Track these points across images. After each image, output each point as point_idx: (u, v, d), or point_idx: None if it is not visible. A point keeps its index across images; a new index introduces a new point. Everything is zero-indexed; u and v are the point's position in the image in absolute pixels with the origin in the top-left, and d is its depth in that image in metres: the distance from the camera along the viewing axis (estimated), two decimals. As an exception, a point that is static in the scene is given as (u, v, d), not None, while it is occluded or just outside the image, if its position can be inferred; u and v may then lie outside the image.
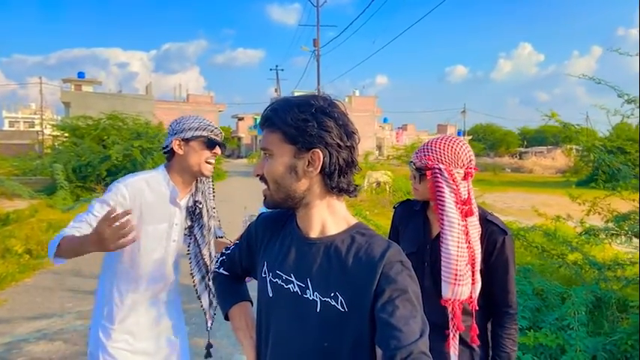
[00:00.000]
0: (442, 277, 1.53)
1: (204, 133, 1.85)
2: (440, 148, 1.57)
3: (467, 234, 1.53)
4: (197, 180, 1.96)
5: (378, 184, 16.05)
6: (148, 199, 1.83)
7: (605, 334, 3.24)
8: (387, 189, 15.76)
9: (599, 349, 2.99)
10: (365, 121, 46.97)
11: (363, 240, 1.05)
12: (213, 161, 1.90)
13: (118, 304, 1.89)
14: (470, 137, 59.37)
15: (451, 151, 1.56)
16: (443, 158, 1.55)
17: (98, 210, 1.75)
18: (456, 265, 1.51)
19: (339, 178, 1.04)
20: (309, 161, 1.02)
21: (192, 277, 2.03)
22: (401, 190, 14.84)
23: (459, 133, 59.80)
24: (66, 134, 17.07)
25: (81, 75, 42.52)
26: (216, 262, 1.37)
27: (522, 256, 5.78)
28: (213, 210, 2.07)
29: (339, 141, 1.01)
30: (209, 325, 2.09)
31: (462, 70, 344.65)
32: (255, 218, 1.96)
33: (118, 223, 1.56)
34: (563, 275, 4.81)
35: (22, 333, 4.16)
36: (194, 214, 1.97)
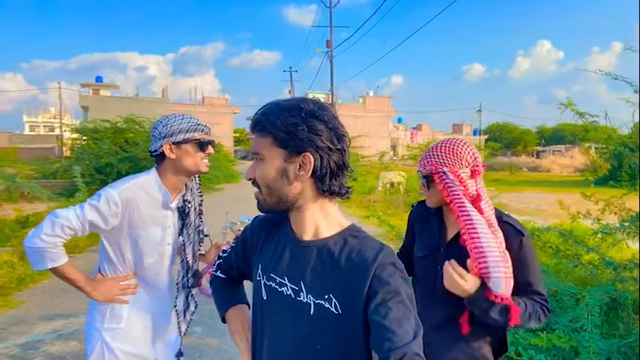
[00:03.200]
0: (491, 274, 1.43)
1: (196, 135, 1.82)
2: (441, 152, 1.57)
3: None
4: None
5: (392, 184, 15.97)
6: (140, 206, 1.80)
7: (620, 337, 3.18)
8: (401, 189, 15.69)
9: (614, 351, 2.94)
10: (379, 121, 46.90)
11: (355, 242, 1.05)
12: (207, 160, 1.89)
13: (120, 305, 1.89)
14: (486, 136, 58.77)
15: (452, 152, 1.56)
16: (445, 161, 1.55)
17: (88, 215, 1.73)
18: (499, 256, 1.44)
19: (330, 181, 1.04)
20: (300, 165, 1.02)
21: (178, 274, 2.03)
22: (415, 191, 14.76)
23: (474, 133, 59.32)
24: (85, 137, 17.39)
25: (99, 79, 43.29)
26: (214, 265, 1.38)
27: (537, 256, 5.70)
28: (200, 207, 2.05)
29: (329, 144, 1.01)
30: (183, 329, 2.02)
31: (479, 69, 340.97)
32: (234, 225, 1.97)
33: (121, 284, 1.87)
34: (579, 276, 4.73)
35: (38, 333, 4.24)
36: (184, 213, 1.96)
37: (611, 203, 4.54)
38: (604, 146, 4.86)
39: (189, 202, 1.96)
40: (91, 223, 1.74)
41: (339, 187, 1.06)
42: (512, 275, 1.46)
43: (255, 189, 1.09)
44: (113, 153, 15.13)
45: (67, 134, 29.26)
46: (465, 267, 1.54)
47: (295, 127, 1.00)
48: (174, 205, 1.92)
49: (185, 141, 1.80)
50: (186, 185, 1.96)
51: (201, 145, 1.83)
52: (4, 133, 46.11)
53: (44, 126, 68.05)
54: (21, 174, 12.01)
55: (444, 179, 1.53)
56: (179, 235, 1.98)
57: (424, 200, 1.82)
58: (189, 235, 1.99)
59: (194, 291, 2.06)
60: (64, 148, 27.87)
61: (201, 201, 2.05)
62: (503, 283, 1.44)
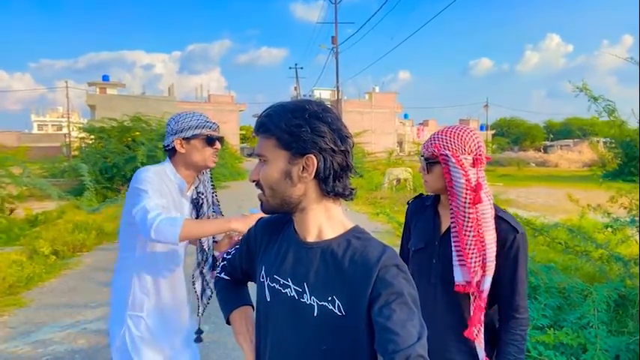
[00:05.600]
0: (453, 262, 1.54)
1: (204, 132, 1.94)
2: (446, 136, 1.57)
3: (477, 221, 1.50)
4: (199, 172, 2.06)
5: (398, 181, 15.94)
6: (164, 189, 1.92)
7: (628, 333, 3.15)
8: (408, 186, 15.64)
9: (623, 348, 2.91)
10: (385, 117, 46.78)
11: (359, 244, 1.05)
12: (215, 156, 2.00)
13: (141, 291, 1.97)
14: (493, 131, 58.46)
15: (457, 137, 1.56)
16: (449, 145, 1.55)
17: (149, 192, 1.80)
18: (467, 249, 1.51)
19: (334, 183, 1.04)
20: (303, 167, 1.02)
21: (195, 262, 2.11)
22: (422, 187, 14.67)
23: (481, 128, 59.02)
24: (92, 136, 17.46)
25: (105, 78, 43.46)
26: (218, 266, 1.38)
27: (545, 252, 5.67)
28: (215, 197, 2.15)
29: (332, 146, 1.01)
30: (200, 310, 2.16)
31: (487, 63, 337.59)
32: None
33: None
34: (587, 272, 4.69)
35: (46, 332, 4.28)
36: (197, 204, 2.06)
37: (621, 195, 4.49)
38: (612, 140, 4.81)
39: (203, 194, 2.07)
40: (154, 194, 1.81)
41: (342, 189, 1.06)
42: (477, 270, 1.51)
43: (259, 190, 1.09)
44: (120, 152, 15.18)
45: (75, 133, 29.45)
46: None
47: (298, 129, 1.00)
48: (189, 194, 2.05)
49: (194, 137, 1.93)
50: (198, 178, 2.07)
51: (209, 141, 1.96)
52: (13, 132, 46.52)
53: (52, 125, 68.51)
54: (30, 172, 12.08)
55: (447, 162, 1.53)
56: None
57: (420, 195, 1.83)
58: None
59: (208, 277, 2.14)
60: (72, 147, 28.03)
61: (214, 193, 2.16)
62: (460, 271, 1.54)
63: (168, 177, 1.96)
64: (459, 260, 1.53)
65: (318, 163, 1.01)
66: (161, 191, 1.86)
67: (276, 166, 1.04)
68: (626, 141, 4.27)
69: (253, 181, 1.10)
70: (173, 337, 2.06)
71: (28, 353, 3.83)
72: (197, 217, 2.07)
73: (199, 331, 2.14)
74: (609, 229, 4.47)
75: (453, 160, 1.53)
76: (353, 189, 1.09)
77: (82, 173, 13.13)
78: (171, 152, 1.98)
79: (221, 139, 2.01)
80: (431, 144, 1.59)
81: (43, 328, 4.36)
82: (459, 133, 1.56)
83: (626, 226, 4.39)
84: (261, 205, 1.10)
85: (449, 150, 1.54)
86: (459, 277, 1.53)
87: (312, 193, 1.05)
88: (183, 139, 1.93)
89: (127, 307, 1.95)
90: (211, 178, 2.17)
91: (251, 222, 1.76)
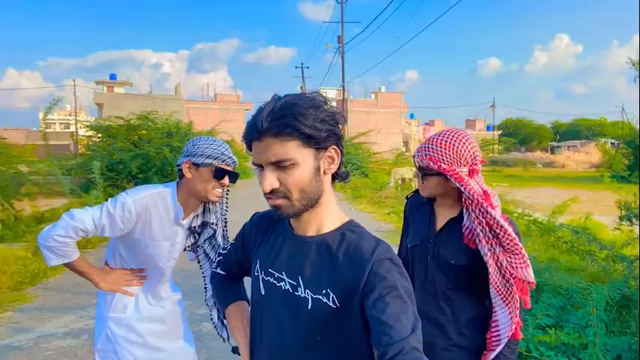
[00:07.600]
0: (521, 263, 1.50)
1: (215, 163, 1.82)
2: (440, 147, 1.52)
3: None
4: (206, 202, 1.94)
5: (403, 180, 15.90)
6: (153, 217, 1.84)
7: (631, 334, 3.13)
8: (413, 185, 15.60)
9: (625, 348, 2.89)
10: (391, 117, 46.66)
11: (353, 237, 1.06)
12: (220, 190, 1.88)
13: (123, 298, 1.97)
14: (500, 132, 58.18)
15: (453, 149, 1.51)
16: (444, 158, 1.51)
17: (103, 220, 1.78)
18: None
19: (343, 167, 1.07)
20: (327, 159, 1.03)
21: (205, 292, 2.07)
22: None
23: (488, 128, 58.75)
24: (99, 134, 17.55)
25: (113, 77, 43.68)
26: (214, 261, 1.39)
27: (549, 252, 5.64)
28: (225, 229, 2.07)
29: (340, 132, 1.04)
30: (225, 337, 2.07)
31: (496, 63, 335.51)
32: None
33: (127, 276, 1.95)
34: (591, 273, 4.66)
35: (49, 328, 4.31)
36: (194, 233, 2.00)
37: (626, 200, 4.48)
38: (619, 141, 4.82)
39: (214, 224, 1.98)
40: (103, 227, 1.79)
41: (345, 172, 1.09)
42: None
43: (275, 198, 1.01)
44: (126, 150, 15.25)
45: (82, 131, 29.62)
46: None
47: (323, 124, 0.99)
48: (185, 222, 1.94)
49: (203, 165, 1.82)
50: (205, 207, 1.98)
51: (217, 174, 1.83)
52: (21, 130, 46.85)
53: (60, 123, 68.87)
54: (39, 171, 12.13)
55: (455, 176, 1.50)
56: (193, 252, 2.06)
57: (417, 191, 1.80)
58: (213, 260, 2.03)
59: None
60: (79, 146, 28.21)
61: (225, 224, 2.06)
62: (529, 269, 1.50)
63: (166, 202, 1.86)
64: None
65: (340, 152, 1.04)
66: (129, 221, 1.79)
67: (307, 166, 1.00)
68: (634, 141, 4.25)
69: (270, 191, 0.99)
70: (167, 335, 2.04)
71: (31, 348, 3.86)
72: (195, 244, 2.02)
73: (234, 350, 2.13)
74: (617, 231, 4.46)
75: (450, 175, 1.50)
76: (348, 172, 1.11)
77: (93, 171, 13.19)
78: (180, 173, 1.89)
79: (233, 176, 1.87)
80: (425, 155, 1.55)
81: (46, 324, 4.39)
82: (453, 144, 1.51)
83: (630, 227, 4.37)
84: (279, 210, 1.02)
85: (444, 163, 1.50)
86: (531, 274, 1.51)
87: (327, 184, 1.07)
88: (193, 163, 1.82)
89: (109, 308, 1.94)
90: (227, 205, 2.04)
91: (112, 282, 1.94)
